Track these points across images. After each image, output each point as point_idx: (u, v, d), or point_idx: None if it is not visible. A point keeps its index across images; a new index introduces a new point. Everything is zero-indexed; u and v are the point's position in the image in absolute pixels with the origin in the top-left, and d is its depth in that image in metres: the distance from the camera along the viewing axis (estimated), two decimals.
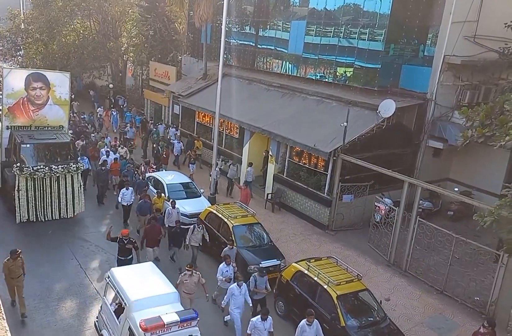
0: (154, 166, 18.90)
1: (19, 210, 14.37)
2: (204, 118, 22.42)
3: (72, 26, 33.40)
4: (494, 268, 11.18)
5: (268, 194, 17.37)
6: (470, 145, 12.42)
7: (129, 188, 15.13)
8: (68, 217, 15.18)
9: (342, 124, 14.25)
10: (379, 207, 14.23)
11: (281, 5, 19.98)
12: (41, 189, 14.53)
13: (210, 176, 17.44)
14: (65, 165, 14.65)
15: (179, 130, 23.36)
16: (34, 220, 14.64)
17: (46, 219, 14.82)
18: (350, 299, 10.28)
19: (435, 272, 12.63)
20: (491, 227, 8.07)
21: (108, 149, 19.38)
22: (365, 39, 16.23)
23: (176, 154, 21.19)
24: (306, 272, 10.59)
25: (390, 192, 15.28)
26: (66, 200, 14.99)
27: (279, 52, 20.01)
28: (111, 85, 31.80)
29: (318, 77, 18.21)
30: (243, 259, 12.08)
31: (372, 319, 10.04)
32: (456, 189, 15.25)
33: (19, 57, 41.57)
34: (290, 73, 19.62)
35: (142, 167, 18.33)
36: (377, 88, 15.98)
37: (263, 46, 21.00)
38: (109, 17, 31.92)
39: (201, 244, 12.88)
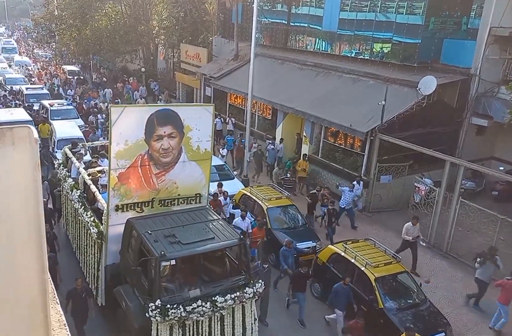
0: None
1: None
2: (236, 100, 22.20)
3: (104, 10, 33.64)
4: None
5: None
6: None
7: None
8: None
9: (379, 103, 13.76)
10: (418, 187, 13.78)
11: None
12: None
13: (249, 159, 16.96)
14: (238, 293, 8.23)
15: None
16: None
17: None
18: (389, 281, 10.07)
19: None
20: None
21: (234, 209, 13.09)
22: (403, 13, 15.53)
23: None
24: (343, 254, 10.39)
25: (430, 172, 14.75)
26: None
27: (313, 29, 19.42)
28: (143, 69, 31.96)
29: (354, 54, 17.62)
30: (278, 241, 11.94)
31: (411, 301, 9.82)
32: (501, 168, 14.55)
33: (54, 43, 42.36)
34: (324, 51, 19.07)
35: None
36: (417, 64, 15.31)
37: (296, 24, 20.43)
38: (139, 0, 31.90)
39: None
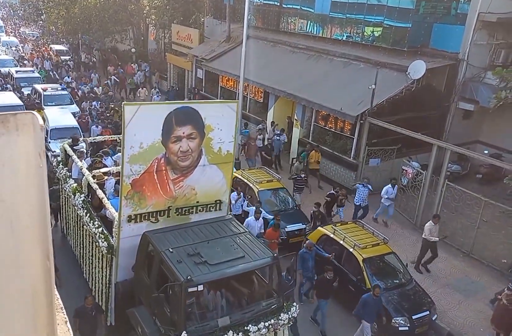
0: None
1: None
2: (228, 83, 22.18)
3: None
4: None
5: (293, 159, 17.30)
6: (502, 106, 12.14)
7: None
8: None
9: (370, 87, 13.93)
10: (406, 170, 14.14)
11: None
12: None
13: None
14: (273, 320, 7.35)
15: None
16: None
17: None
18: (376, 262, 10.46)
19: (462, 235, 12.64)
20: None
21: (248, 207, 12.43)
22: None
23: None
24: (332, 235, 10.73)
25: (417, 156, 15.10)
26: None
27: (305, 12, 19.33)
28: (133, 50, 31.59)
29: (345, 37, 17.65)
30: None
31: (397, 281, 10.23)
32: (485, 152, 14.93)
33: (41, 22, 41.46)
34: (316, 34, 19.04)
35: None
36: (407, 48, 15.43)
37: (288, 6, 20.28)
38: None
39: None
